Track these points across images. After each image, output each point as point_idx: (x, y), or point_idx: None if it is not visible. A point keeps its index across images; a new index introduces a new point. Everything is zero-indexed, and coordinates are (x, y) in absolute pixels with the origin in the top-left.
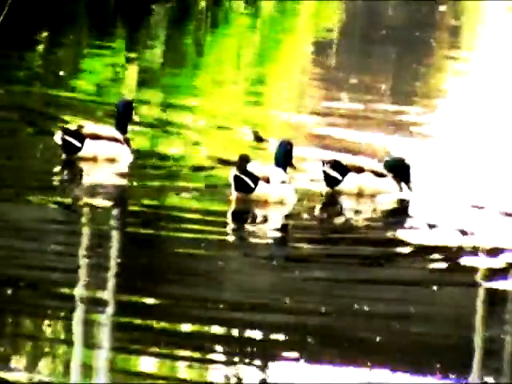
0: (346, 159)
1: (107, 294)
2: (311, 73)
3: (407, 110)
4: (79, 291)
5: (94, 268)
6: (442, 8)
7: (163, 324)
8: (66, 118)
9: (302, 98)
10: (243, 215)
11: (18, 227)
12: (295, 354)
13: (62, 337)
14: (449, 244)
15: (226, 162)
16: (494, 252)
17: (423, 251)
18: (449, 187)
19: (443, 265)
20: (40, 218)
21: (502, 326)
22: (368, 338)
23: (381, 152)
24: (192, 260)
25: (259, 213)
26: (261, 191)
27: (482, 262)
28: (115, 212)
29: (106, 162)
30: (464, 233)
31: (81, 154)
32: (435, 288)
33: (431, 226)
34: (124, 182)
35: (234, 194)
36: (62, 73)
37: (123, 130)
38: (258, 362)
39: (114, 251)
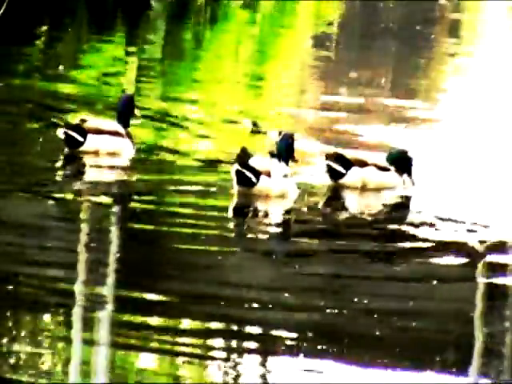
0: (349, 153)
1: (107, 290)
2: (311, 66)
3: (407, 103)
4: (79, 287)
5: (94, 264)
6: (443, 1)
7: (163, 320)
8: (67, 111)
9: (301, 92)
10: (244, 210)
11: (17, 223)
12: (295, 350)
13: (62, 333)
14: (450, 239)
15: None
16: (496, 247)
17: (424, 246)
18: (451, 180)
19: (444, 260)
20: (40, 213)
21: (502, 322)
22: (368, 334)
23: (381, 144)
24: (192, 255)
25: (261, 207)
26: (262, 185)
27: (483, 257)
28: (116, 207)
29: (108, 156)
30: (466, 227)
31: (83, 148)
32: (435, 283)
33: (433, 222)
34: (125, 176)
35: (235, 189)
36: (61, 67)
37: (125, 125)
38: (257, 358)
39: (113, 247)
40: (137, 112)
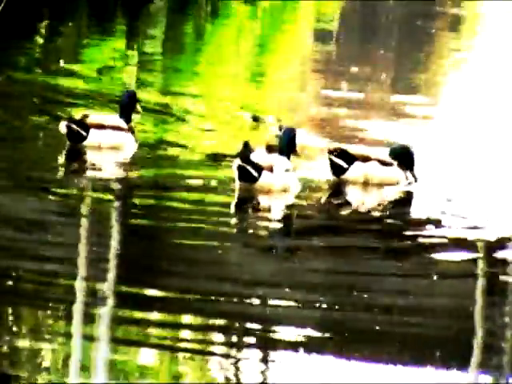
0: (352, 148)
1: (107, 286)
2: (311, 61)
3: (408, 98)
4: (79, 282)
5: (95, 259)
6: None
7: (164, 315)
8: (68, 105)
9: (302, 86)
10: (246, 205)
11: (18, 218)
12: (295, 345)
13: (62, 328)
14: (451, 235)
15: (225, 157)
16: (497, 243)
17: (425, 242)
18: (453, 176)
19: (445, 256)
20: (41, 208)
21: (502, 317)
22: (368, 329)
23: (382, 138)
24: (193, 251)
25: (262, 202)
26: (264, 181)
27: (483, 253)
28: (116, 202)
29: (110, 151)
30: (468, 223)
31: (85, 142)
32: (436, 279)
33: (434, 218)
34: (126, 171)
35: (237, 184)
36: (61, 61)
37: (127, 120)
38: (258, 354)
39: (114, 242)
40: (139, 108)
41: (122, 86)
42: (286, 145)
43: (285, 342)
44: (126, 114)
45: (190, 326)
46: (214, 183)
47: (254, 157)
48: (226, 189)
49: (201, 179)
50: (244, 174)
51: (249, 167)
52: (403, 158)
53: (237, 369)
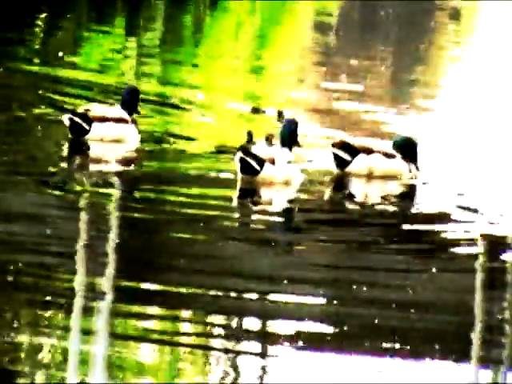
0: (355, 140)
1: (107, 280)
2: (311, 53)
3: (408, 90)
4: (78, 277)
5: (94, 253)
6: None
7: (163, 310)
8: (69, 96)
9: (301, 77)
10: (248, 199)
11: (18, 212)
12: (295, 340)
13: (61, 322)
14: (452, 229)
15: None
16: (499, 237)
17: (427, 236)
18: (455, 169)
19: (445, 250)
20: (41, 202)
21: (502, 312)
22: (368, 324)
23: (383, 129)
24: (193, 245)
25: (264, 195)
26: (266, 173)
27: (486, 248)
28: (117, 196)
29: (113, 143)
30: (470, 217)
31: (88, 136)
32: (437, 274)
33: (436, 211)
34: (128, 165)
35: (239, 176)
36: (61, 53)
37: (130, 113)
38: (258, 349)
39: (114, 236)
40: (140, 109)
41: (121, 78)
42: (288, 136)
43: (284, 336)
44: (128, 109)
45: (189, 321)
46: (215, 176)
47: (255, 149)
48: (227, 182)
49: (202, 172)
50: (246, 167)
51: (250, 160)
52: (406, 149)
53: (236, 363)
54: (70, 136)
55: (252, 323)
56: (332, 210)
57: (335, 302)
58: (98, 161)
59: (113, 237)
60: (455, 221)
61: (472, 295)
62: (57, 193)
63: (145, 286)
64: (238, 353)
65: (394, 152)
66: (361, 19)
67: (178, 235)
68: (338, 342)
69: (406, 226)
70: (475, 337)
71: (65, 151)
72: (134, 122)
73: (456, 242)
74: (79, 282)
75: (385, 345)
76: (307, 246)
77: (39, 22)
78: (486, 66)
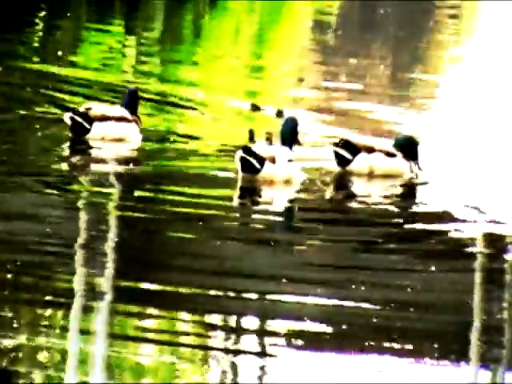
0: (356, 139)
1: (106, 280)
2: (310, 52)
3: (407, 89)
4: (78, 277)
5: (94, 253)
6: None
7: (162, 310)
8: (69, 94)
9: (301, 75)
10: (248, 198)
11: (17, 211)
12: (294, 340)
13: (60, 322)
14: (452, 229)
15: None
16: (499, 236)
17: (427, 235)
18: (456, 167)
19: (446, 249)
20: (40, 202)
21: (501, 311)
22: (367, 323)
23: (383, 127)
24: (192, 245)
25: (265, 195)
26: (267, 172)
27: (485, 248)
28: (117, 196)
29: (114, 143)
30: (470, 216)
31: (89, 135)
32: (436, 273)
33: (436, 211)
34: (128, 164)
35: (240, 175)
36: (60, 52)
37: (132, 112)
38: (256, 348)
39: (113, 236)
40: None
41: (121, 76)
42: (288, 135)
43: (284, 336)
44: (129, 110)
45: (188, 321)
46: (216, 175)
47: (256, 148)
48: (228, 181)
49: (203, 171)
50: (246, 165)
51: (251, 158)
52: (408, 148)
53: (235, 363)
54: (70, 135)
55: (251, 323)
56: (332, 209)
57: (335, 301)
58: (98, 160)
59: (112, 236)
60: (456, 220)
61: (472, 295)
62: (57, 192)
63: (144, 285)
64: (238, 352)
65: (395, 151)
66: (360, 18)
67: (177, 235)
68: (337, 341)
69: (406, 226)
70: (475, 337)
71: (65, 150)
72: (136, 121)
73: (456, 242)
74: (79, 281)
75: (385, 345)
76: (307, 246)
77: (39, 21)
78: (485, 65)
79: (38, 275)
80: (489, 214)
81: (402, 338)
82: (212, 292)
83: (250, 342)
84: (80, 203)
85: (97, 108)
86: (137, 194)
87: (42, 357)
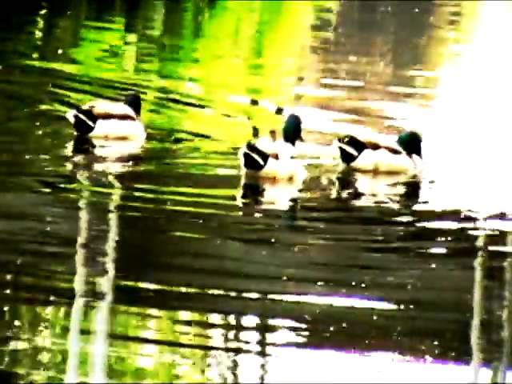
0: (361, 135)
1: (106, 280)
2: (310, 49)
3: (407, 87)
4: (78, 277)
5: (94, 253)
6: None
7: (162, 310)
8: (72, 91)
9: (301, 72)
10: (251, 197)
11: (17, 211)
12: (295, 340)
13: (60, 323)
14: (453, 228)
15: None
16: (500, 234)
17: (427, 235)
18: (458, 166)
19: (447, 248)
20: (41, 202)
21: (501, 309)
22: (367, 322)
23: (383, 124)
24: (193, 244)
25: (268, 194)
26: (270, 168)
27: (486, 246)
28: (118, 196)
29: (118, 141)
30: (471, 214)
31: (93, 133)
32: (436, 272)
33: (439, 209)
34: (131, 163)
35: (243, 171)
36: (60, 51)
37: (136, 112)
38: (257, 348)
39: (114, 236)
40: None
41: (122, 73)
42: (291, 131)
43: (284, 336)
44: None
45: (189, 321)
46: (218, 174)
47: (259, 144)
48: (230, 180)
49: (206, 170)
50: (250, 162)
51: (254, 155)
52: (411, 145)
53: (236, 363)
54: (74, 133)
55: (252, 323)
56: (336, 208)
57: (335, 301)
58: (100, 159)
59: (113, 236)
60: (457, 219)
61: (472, 294)
62: (58, 192)
63: (144, 285)
64: (239, 352)
65: (399, 148)
66: (360, 16)
67: (178, 234)
68: (338, 341)
69: (408, 224)
70: (476, 335)
71: (68, 149)
72: (140, 119)
73: (457, 241)
74: (79, 281)
75: (385, 344)
76: (308, 245)
77: (39, 19)
78: (485, 62)
79: (38, 275)
80: (489, 211)
81: (403, 337)
82: (212, 292)
83: (250, 342)
84: (81, 203)
85: (101, 106)
86: (138, 193)
87: (42, 357)
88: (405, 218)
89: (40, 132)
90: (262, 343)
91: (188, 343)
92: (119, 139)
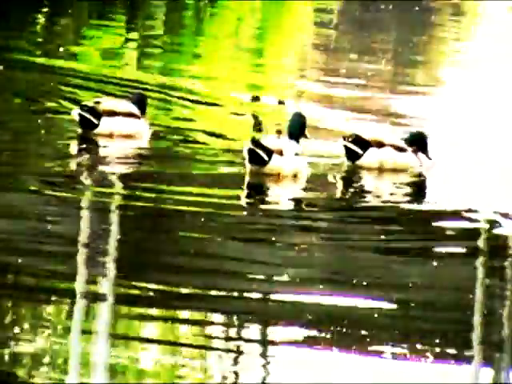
0: (366, 133)
1: (107, 280)
2: (311, 47)
3: (407, 86)
4: (79, 277)
5: (95, 253)
6: None
7: (163, 311)
8: (73, 88)
9: (302, 70)
10: (255, 196)
11: (18, 211)
12: (295, 340)
13: (60, 323)
14: (455, 227)
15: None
16: (502, 234)
17: (428, 235)
18: (459, 165)
19: (448, 247)
20: (41, 201)
21: (503, 308)
22: (367, 322)
23: (384, 121)
24: (194, 245)
25: (272, 193)
26: (274, 164)
27: (487, 246)
28: (120, 195)
29: (122, 139)
30: (473, 215)
31: (97, 130)
32: (438, 272)
33: (441, 209)
34: (133, 162)
35: (247, 167)
36: (61, 48)
37: (141, 111)
38: (258, 349)
39: (115, 236)
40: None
41: (124, 70)
42: (296, 129)
43: (285, 336)
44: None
45: (189, 321)
46: (222, 173)
47: (264, 140)
48: (234, 179)
49: (210, 169)
50: (254, 157)
51: (259, 150)
52: (418, 143)
53: (237, 364)
54: (78, 130)
55: (254, 323)
56: (339, 207)
57: (336, 301)
58: (103, 158)
59: (114, 236)
60: (460, 219)
61: (474, 293)
62: (59, 192)
63: (147, 285)
64: (239, 353)
65: (405, 145)
66: (361, 15)
67: (181, 234)
68: (339, 341)
69: (408, 225)
70: (476, 336)
71: (71, 148)
72: (145, 118)
73: (460, 240)
74: (80, 282)
75: (385, 345)
76: (311, 245)
77: (41, 17)
78: (486, 61)
79: (38, 275)
80: (491, 211)
81: (403, 337)
82: (213, 292)
83: (252, 342)
84: (83, 202)
85: (105, 103)
86: (140, 193)
87: (43, 357)
88: (408, 218)
89: (42, 130)
90: (264, 343)
91: (189, 343)
92: (124, 137)
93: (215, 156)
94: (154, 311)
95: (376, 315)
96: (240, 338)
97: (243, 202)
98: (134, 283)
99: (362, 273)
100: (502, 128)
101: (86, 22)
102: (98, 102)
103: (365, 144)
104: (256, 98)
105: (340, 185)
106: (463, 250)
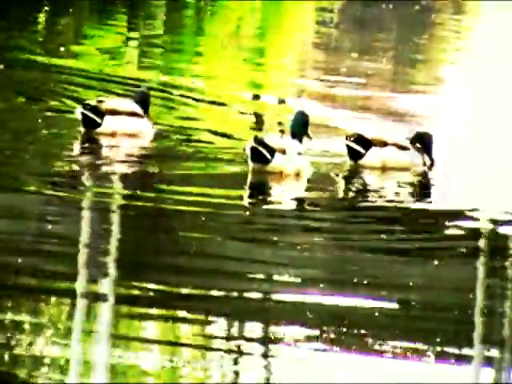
0: (369, 133)
1: (107, 281)
2: (312, 46)
3: (408, 84)
4: (79, 277)
5: (96, 253)
6: None
7: (164, 311)
8: (76, 87)
9: (302, 69)
10: (257, 197)
11: (18, 211)
12: (296, 340)
13: (61, 323)
14: (455, 226)
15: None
16: (503, 235)
17: (429, 235)
18: (461, 165)
19: (447, 247)
20: (42, 201)
21: (503, 307)
22: (368, 324)
23: (385, 120)
24: (195, 245)
25: (274, 193)
26: (277, 162)
27: (488, 246)
28: (120, 195)
29: (125, 138)
30: (474, 215)
31: (100, 130)
32: (438, 271)
33: (442, 208)
34: (135, 162)
35: (250, 165)
36: (62, 48)
37: (144, 111)
38: (258, 349)
39: (115, 236)
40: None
41: (126, 69)
42: (298, 128)
43: (285, 336)
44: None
45: (190, 321)
46: (224, 172)
47: (267, 139)
48: (236, 178)
49: (211, 169)
50: (257, 156)
51: (262, 149)
52: (421, 143)
53: (237, 364)
54: (80, 130)
55: (255, 323)
56: (341, 207)
57: (337, 301)
58: (105, 158)
59: (114, 236)
60: (462, 219)
61: (474, 293)
62: (61, 192)
63: (147, 286)
64: (240, 353)
65: (407, 144)
66: (361, 14)
67: (181, 234)
68: (339, 341)
69: (409, 224)
70: (477, 335)
71: (73, 147)
72: (148, 117)
73: (461, 240)
74: (81, 282)
75: (386, 344)
76: (311, 245)
77: (42, 16)
78: (486, 60)
79: (38, 275)
80: (492, 211)
81: (403, 337)
82: (214, 292)
83: (252, 342)
84: (83, 202)
85: (108, 102)
86: (141, 193)
87: (43, 357)
88: (409, 218)
89: (44, 130)
90: (264, 343)
91: (189, 343)
92: (126, 136)
93: (218, 155)
94: (154, 311)
95: (377, 315)
96: (240, 338)
97: (245, 201)
98: (134, 283)
99: (363, 273)
100: (503, 127)
101: (87, 21)
102: (100, 101)
103: (367, 143)
104: (256, 97)
105: (342, 184)
106: (464, 250)
